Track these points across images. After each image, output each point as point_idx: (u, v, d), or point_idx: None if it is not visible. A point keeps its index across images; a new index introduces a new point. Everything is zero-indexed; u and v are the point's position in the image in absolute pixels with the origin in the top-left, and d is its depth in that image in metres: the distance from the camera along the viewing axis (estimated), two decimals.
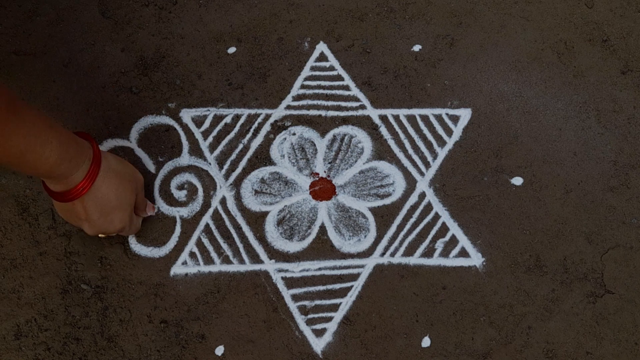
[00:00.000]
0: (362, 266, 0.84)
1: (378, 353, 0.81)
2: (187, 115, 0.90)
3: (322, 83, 0.93)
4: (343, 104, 0.92)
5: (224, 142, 0.90)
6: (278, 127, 0.91)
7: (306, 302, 0.83)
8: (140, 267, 0.83)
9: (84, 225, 0.72)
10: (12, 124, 0.55)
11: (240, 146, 0.90)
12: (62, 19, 0.93)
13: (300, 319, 0.82)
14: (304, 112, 0.92)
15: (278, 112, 0.91)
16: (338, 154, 0.90)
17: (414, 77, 0.94)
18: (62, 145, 0.62)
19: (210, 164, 0.88)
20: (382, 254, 0.85)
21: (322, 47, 0.95)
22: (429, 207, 0.88)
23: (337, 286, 0.84)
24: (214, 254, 0.84)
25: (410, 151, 0.91)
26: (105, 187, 0.70)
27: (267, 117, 0.91)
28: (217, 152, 0.89)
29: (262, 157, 0.89)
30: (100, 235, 0.76)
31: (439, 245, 0.86)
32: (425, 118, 0.92)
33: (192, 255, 0.84)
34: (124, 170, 0.74)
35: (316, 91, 0.93)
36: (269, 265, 0.84)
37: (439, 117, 0.92)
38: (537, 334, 0.83)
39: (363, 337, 0.82)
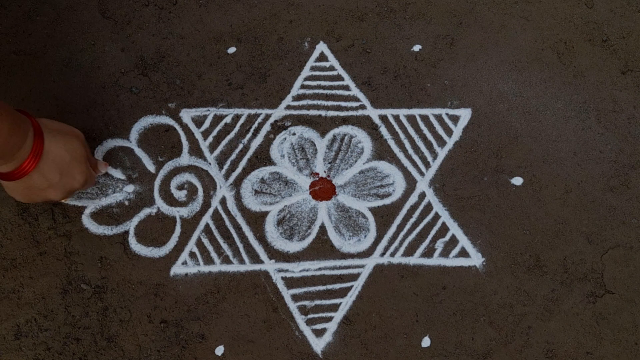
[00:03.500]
0: (362, 266, 0.84)
1: (378, 353, 0.81)
2: (187, 115, 0.90)
3: (322, 83, 0.93)
4: (343, 104, 0.92)
5: (224, 142, 0.90)
6: (278, 127, 0.91)
7: (306, 302, 0.83)
8: (140, 267, 0.83)
9: (49, 193, 0.71)
10: None
11: (240, 146, 0.90)
12: (62, 19, 0.93)
13: (300, 319, 0.82)
14: (304, 112, 0.92)
15: (278, 112, 0.91)
16: (338, 154, 0.90)
17: (414, 77, 0.94)
18: (9, 116, 0.61)
19: (210, 164, 0.88)
20: (382, 254, 0.85)
21: (322, 47, 0.95)
22: (429, 207, 0.88)
23: (337, 286, 0.84)
24: (214, 254, 0.84)
25: (410, 151, 0.91)
26: (54, 147, 0.69)
27: (267, 117, 0.91)
28: (217, 152, 0.89)
29: (262, 157, 0.89)
30: (64, 200, 0.76)
31: (439, 245, 0.86)
32: (425, 118, 0.92)
33: (192, 255, 0.84)
34: (63, 127, 0.73)
35: (316, 91, 0.93)
36: (269, 265, 0.84)
37: (439, 117, 0.92)
38: (537, 334, 0.83)
39: (363, 337, 0.82)
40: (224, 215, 0.86)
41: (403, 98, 0.93)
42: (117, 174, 0.86)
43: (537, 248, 0.86)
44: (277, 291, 0.83)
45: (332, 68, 0.94)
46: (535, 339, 0.82)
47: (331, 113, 0.92)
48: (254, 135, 0.90)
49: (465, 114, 0.92)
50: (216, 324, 0.81)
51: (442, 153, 0.91)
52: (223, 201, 0.87)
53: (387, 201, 0.88)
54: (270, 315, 0.81)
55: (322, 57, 0.94)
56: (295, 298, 0.83)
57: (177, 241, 0.84)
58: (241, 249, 0.84)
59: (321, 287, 0.83)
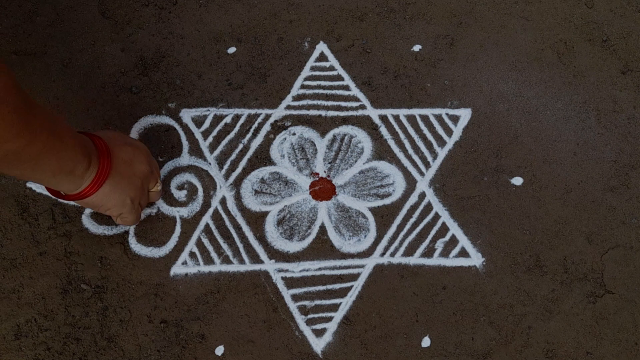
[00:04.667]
0: (362, 266, 0.84)
1: (378, 353, 0.81)
2: (187, 115, 0.90)
3: (322, 83, 0.93)
4: (343, 104, 0.92)
5: (224, 142, 0.90)
6: (278, 127, 0.91)
7: (306, 302, 0.83)
8: (140, 267, 0.83)
9: (133, 192, 0.69)
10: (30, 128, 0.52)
11: (240, 146, 0.90)
12: (62, 19, 0.93)
13: (300, 319, 0.82)
14: (304, 112, 0.91)
15: (278, 112, 0.91)
16: (338, 154, 0.90)
17: (414, 77, 0.94)
18: (77, 137, 0.62)
19: (210, 164, 0.88)
20: (382, 254, 0.85)
21: (322, 47, 0.95)
22: (429, 207, 0.88)
23: (337, 286, 0.84)
24: (214, 254, 0.84)
25: (410, 151, 0.91)
26: (121, 155, 0.69)
27: (267, 117, 0.91)
28: (217, 152, 0.89)
29: (262, 157, 0.89)
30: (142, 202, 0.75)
31: (439, 245, 0.86)
32: (425, 118, 0.92)
33: (192, 255, 0.84)
34: (127, 141, 0.74)
35: (316, 91, 0.93)
36: (269, 265, 0.84)
37: (439, 117, 0.92)
38: (537, 334, 0.83)
39: (363, 337, 0.82)
40: (224, 215, 0.86)
41: (403, 98, 0.93)
42: None
43: (537, 248, 0.86)
44: (277, 291, 0.82)
45: (332, 68, 0.94)
46: (535, 339, 0.82)
47: (331, 113, 0.92)
48: (254, 135, 0.90)
49: (465, 114, 0.92)
50: (216, 324, 0.81)
51: (442, 153, 0.91)
52: (223, 201, 0.87)
53: (387, 201, 0.88)
54: (270, 315, 0.81)
55: (322, 57, 0.94)
56: (295, 298, 0.83)
57: (177, 241, 0.84)
58: (241, 249, 0.84)
59: (321, 287, 0.83)
